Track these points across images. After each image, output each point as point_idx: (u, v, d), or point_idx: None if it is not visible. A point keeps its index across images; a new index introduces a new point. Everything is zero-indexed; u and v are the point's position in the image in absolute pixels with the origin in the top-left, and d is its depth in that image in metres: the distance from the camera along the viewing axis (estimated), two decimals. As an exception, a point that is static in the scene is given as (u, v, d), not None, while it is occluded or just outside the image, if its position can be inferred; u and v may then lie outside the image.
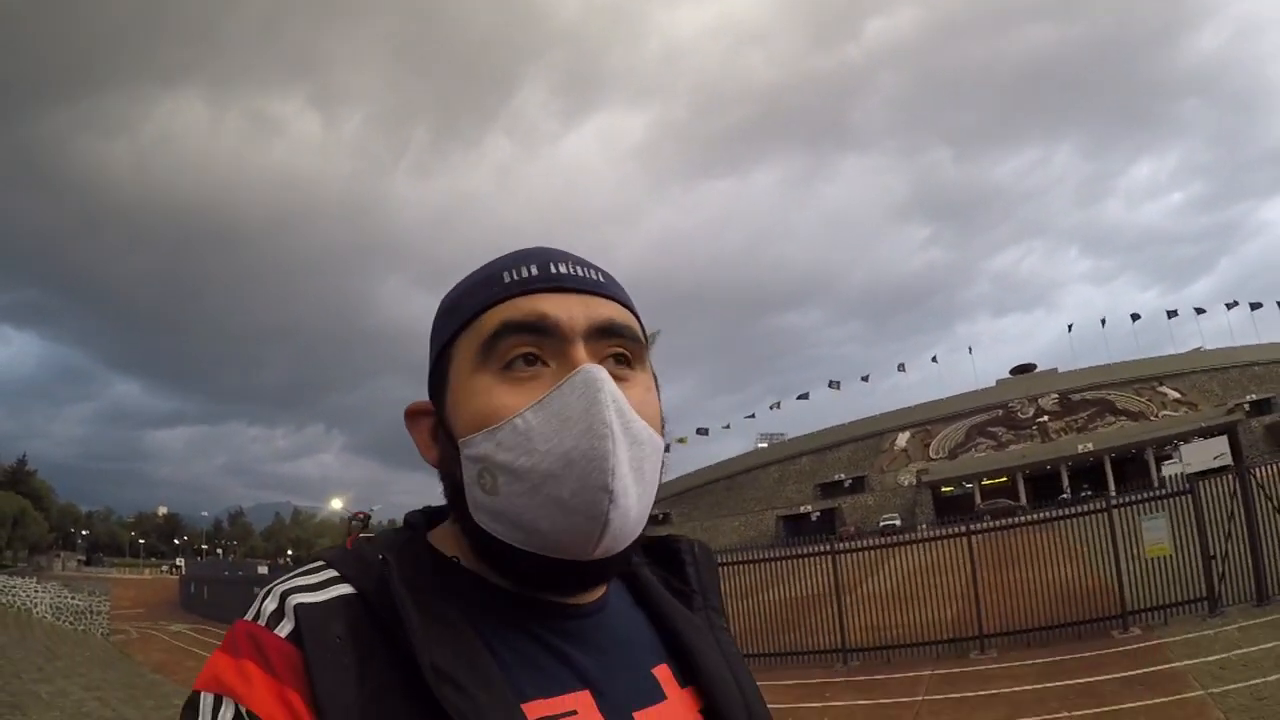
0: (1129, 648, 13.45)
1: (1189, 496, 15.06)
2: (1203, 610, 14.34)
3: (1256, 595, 14.12)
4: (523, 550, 0.84)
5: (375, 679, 0.76)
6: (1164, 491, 16.42)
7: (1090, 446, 71.32)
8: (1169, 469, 58.97)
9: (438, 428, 0.92)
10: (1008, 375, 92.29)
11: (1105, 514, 15.86)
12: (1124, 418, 77.13)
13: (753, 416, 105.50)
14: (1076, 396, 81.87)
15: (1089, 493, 50.72)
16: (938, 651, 15.60)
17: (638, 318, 0.96)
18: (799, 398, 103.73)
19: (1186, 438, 59.26)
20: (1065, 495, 53.39)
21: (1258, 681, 10.00)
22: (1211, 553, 14.46)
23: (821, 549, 18.22)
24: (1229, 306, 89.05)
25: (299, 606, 0.78)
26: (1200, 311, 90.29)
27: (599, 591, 0.93)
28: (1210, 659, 11.62)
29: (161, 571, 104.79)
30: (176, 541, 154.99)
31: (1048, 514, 18.81)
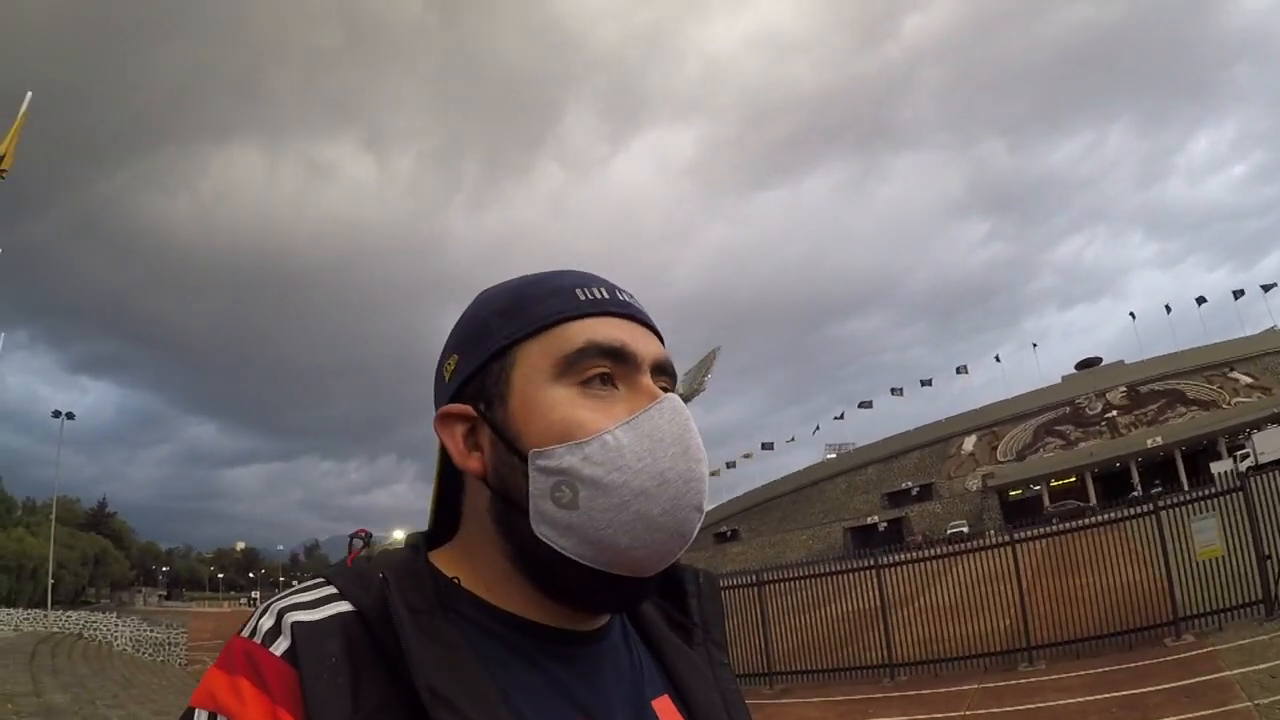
0: (1180, 656, 13.13)
1: (1240, 494, 14.55)
2: (1260, 614, 13.82)
3: None
4: (584, 565, 0.84)
5: (370, 700, 0.75)
6: (1213, 490, 15.79)
7: (1159, 440, 68.74)
8: (1233, 461, 57.79)
9: (480, 434, 0.91)
10: (1073, 371, 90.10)
11: (1153, 516, 15.36)
12: (1195, 408, 74.54)
13: (818, 429, 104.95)
14: (1145, 388, 79.41)
15: (1159, 489, 48.88)
16: (985, 664, 15.41)
17: None
18: (860, 405, 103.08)
19: (1260, 425, 56.39)
20: (1136, 493, 52.01)
21: None
22: (1267, 553, 13.91)
23: (865, 564, 18.10)
24: None
25: (295, 625, 0.78)
26: (1268, 288, 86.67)
27: (603, 620, 0.94)
28: (1261, 667, 11.30)
29: (239, 604, 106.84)
30: (253, 575, 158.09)
31: (1091, 519, 18.38)
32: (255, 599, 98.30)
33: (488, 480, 0.88)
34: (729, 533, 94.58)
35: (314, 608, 0.80)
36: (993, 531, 44.05)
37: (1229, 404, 72.29)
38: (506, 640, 0.86)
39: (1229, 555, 14.35)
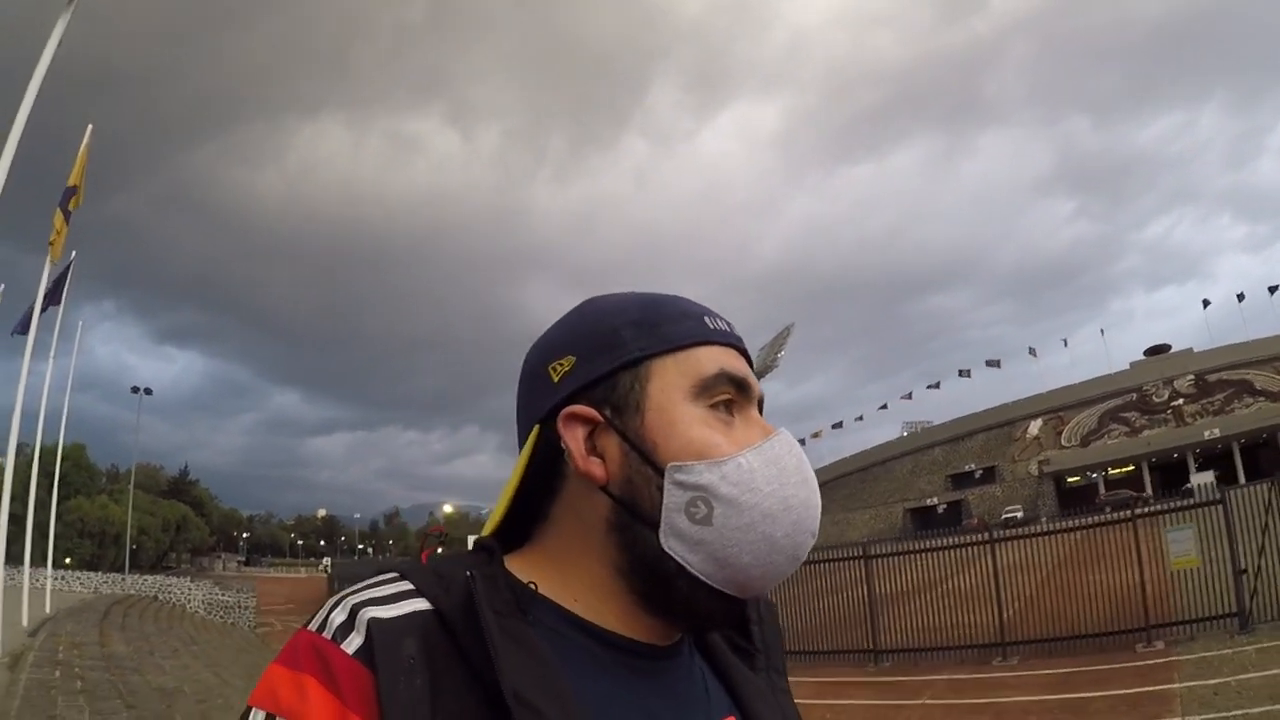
0: (1144, 663, 13.47)
1: (1220, 506, 14.92)
2: (1233, 626, 14.13)
3: None
4: (703, 582, 0.84)
5: (450, 704, 0.72)
6: (1193, 501, 16.27)
7: (1217, 432, 67.39)
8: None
9: (604, 440, 0.89)
10: (1141, 357, 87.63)
11: (1130, 524, 15.70)
12: (1263, 399, 71.94)
13: (885, 407, 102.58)
14: (1213, 377, 76.83)
15: (1213, 481, 47.97)
16: (963, 657, 15.92)
17: None
18: (929, 387, 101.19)
19: None
20: (1189, 485, 51.22)
21: (1238, 713, 9.98)
22: (1242, 567, 14.20)
23: (854, 554, 18.72)
24: None
25: (372, 621, 0.74)
26: None
27: (677, 637, 0.93)
28: (1210, 682, 11.57)
29: (316, 570, 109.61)
30: (332, 543, 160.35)
31: (1071, 523, 18.63)
32: (326, 566, 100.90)
33: (610, 488, 0.87)
34: None
35: (390, 603, 0.77)
36: (1045, 518, 43.87)
37: None
38: (586, 650, 0.84)
39: (1206, 567, 14.71)
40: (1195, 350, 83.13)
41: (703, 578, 0.84)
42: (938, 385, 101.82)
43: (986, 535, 17.68)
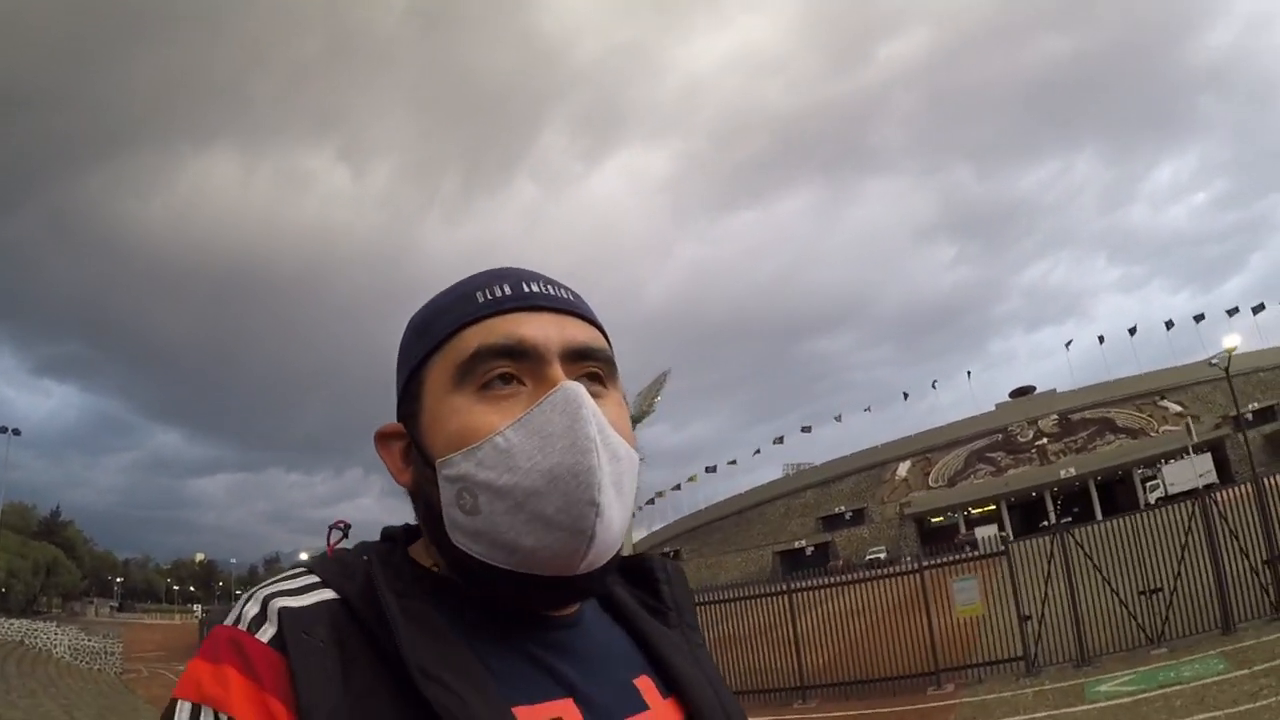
0: (929, 705, 14.32)
1: (1004, 558, 15.82)
2: (1020, 669, 14.95)
3: (1079, 657, 14.63)
4: (503, 569, 0.84)
5: (360, 682, 0.75)
6: (977, 554, 17.43)
7: (1073, 471, 69.48)
8: (1144, 492, 58.67)
9: (410, 450, 0.91)
10: (1007, 399, 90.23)
11: (918, 575, 16.64)
12: (1124, 436, 74.61)
13: (759, 452, 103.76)
14: (1076, 416, 79.40)
15: (1069, 520, 49.50)
16: (765, 699, 16.57)
17: (606, 337, 0.97)
18: (803, 430, 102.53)
19: (1178, 455, 57.12)
20: (1046, 523, 51.96)
21: None
22: (1026, 614, 15.00)
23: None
24: (1255, 310, 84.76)
25: (283, 610, 0.77)
26: (1232, 313, 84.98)
27: (575, 606, 0.94)
28: None
29: (191, 618, 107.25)
30: (209, 588, 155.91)
31: (862, 575, 19.64)
32: (194, 611, 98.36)
33: (413, 495, 0.92)
34: (672, 553, 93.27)
35: (299, 594, 0.80)
36: (908, 558, 45.16)
37: (1157, 432, 71.86)
38: (485, 624, 0.87)
39: (995, 614, 15.63)
40: (1059, 391, 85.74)
41: (499, 565, 0.84)
42: (809, 429, 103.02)
43: (784, 586, 18.37)
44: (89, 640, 43.57)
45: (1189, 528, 14.48)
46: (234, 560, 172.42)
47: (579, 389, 0.85)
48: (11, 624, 45.88)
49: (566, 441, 0.81)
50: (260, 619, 0.77)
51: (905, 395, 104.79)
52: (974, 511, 73.59)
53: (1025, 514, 68.83)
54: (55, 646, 41.80)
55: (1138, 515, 15.82)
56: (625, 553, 0.99)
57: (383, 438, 0.95)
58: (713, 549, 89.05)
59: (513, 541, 0.82)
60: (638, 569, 1.09)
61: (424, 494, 0.89)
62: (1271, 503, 14.10)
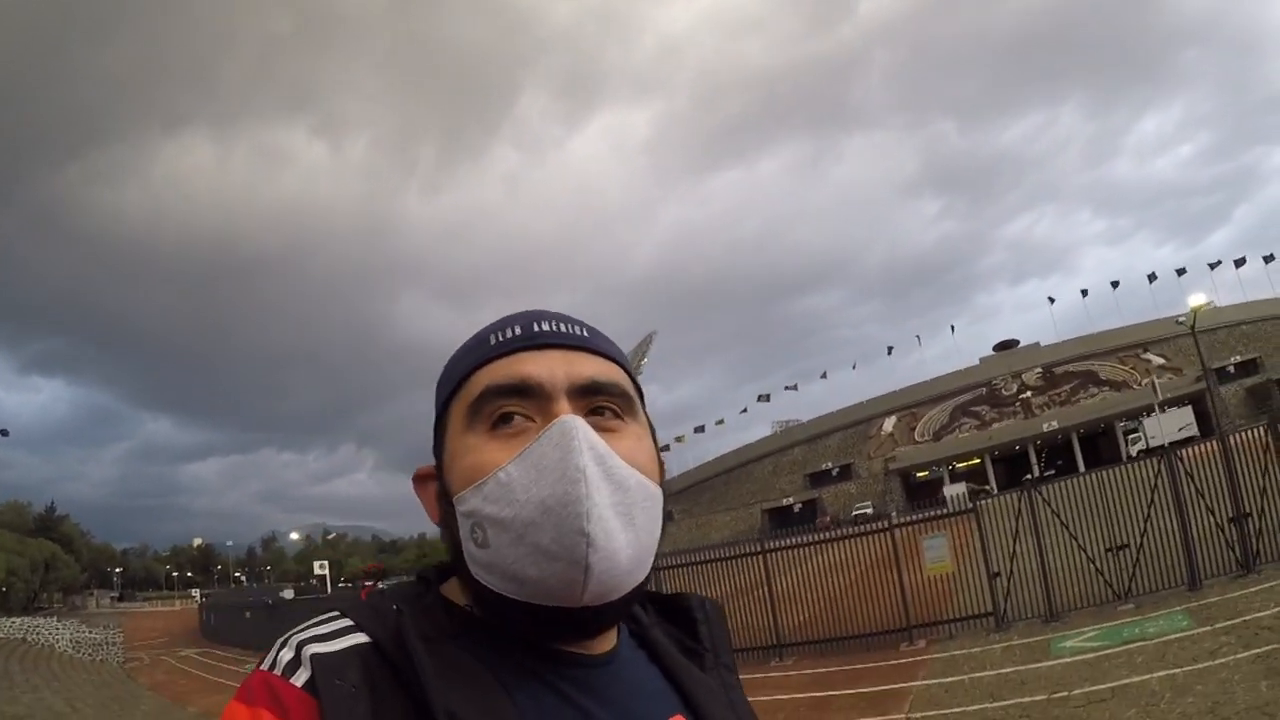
0: (902, 661, 14.34)
1: (972, 515, 16.00)
2: (990, 625, 15.11)
3: (1048, 613, 14.68)
4: (514, 600, 0.86)
5: None
6: (946, 511, 17.51)
7: (1055, 424, 69.60)
8: (1125, 444, 58.18)
9: (440, 489, 0.95)
10: (991, 353, 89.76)
11: (889, 533, 16.80)
12: (1107, 388, 74.93)
13: (745, 411, 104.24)
14: (1060, 369, 79.63)
15: (1053, 472, 49.53)
16: (743, 659, 15.96)
17: (626, 370, 0.99)
18: (787, 388, 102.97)
19: (1161, 407, 56.66)
20: (1029, 476, 52.77)
21: (956, 710, 10.59)
22: (996, 570, 15.12)
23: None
24: (1237, 264, 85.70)
25: (314, 656, 0.80)
26: (1214, 266, 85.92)
27: (609, 643, 0.95)
28: (946, 680, 12.28)
29: (190, 602, 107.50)
30: (208, 572, 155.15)
31: (834, 534, 19.76)
32: (193, 596, 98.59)
33: (443, 531, 0.94)
34: (669, 514, 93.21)
35: (331, 639, 0.83)
36: (894, 513, 45.36)
37: (1140, 385, 71.20)
38: (520, 663, 0.88)
39: (966, 571, 15.77)
40: (1042, 344, 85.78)
41: (513, 595, 0.86)
42: (795, 388, 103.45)
43: (759, 546, 18.66)
44: (90, 632, 44.01)
45: (1155, 485, 14.66)
46: (230, 543, 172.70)
47: (575, 421, 0.87)
48: (13, 622, 46.22)
49: (557, 473, 0.83)
50: (294, 664, 0.80)
51: (890, 350, 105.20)
52: (958, 465, 73.79)
53: (1009, 467, 68.86)
54: (57, 641, 42.19)
55: (1104, 472, 15.99)
56: None
57: (418, 479, 1.00)
58: (703, 508, 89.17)
59: (519, 572, 0.84)
60: (676, 608, 1.10)
61: (450, 530, 0.92)
62: (1238, 459, 14.25)
